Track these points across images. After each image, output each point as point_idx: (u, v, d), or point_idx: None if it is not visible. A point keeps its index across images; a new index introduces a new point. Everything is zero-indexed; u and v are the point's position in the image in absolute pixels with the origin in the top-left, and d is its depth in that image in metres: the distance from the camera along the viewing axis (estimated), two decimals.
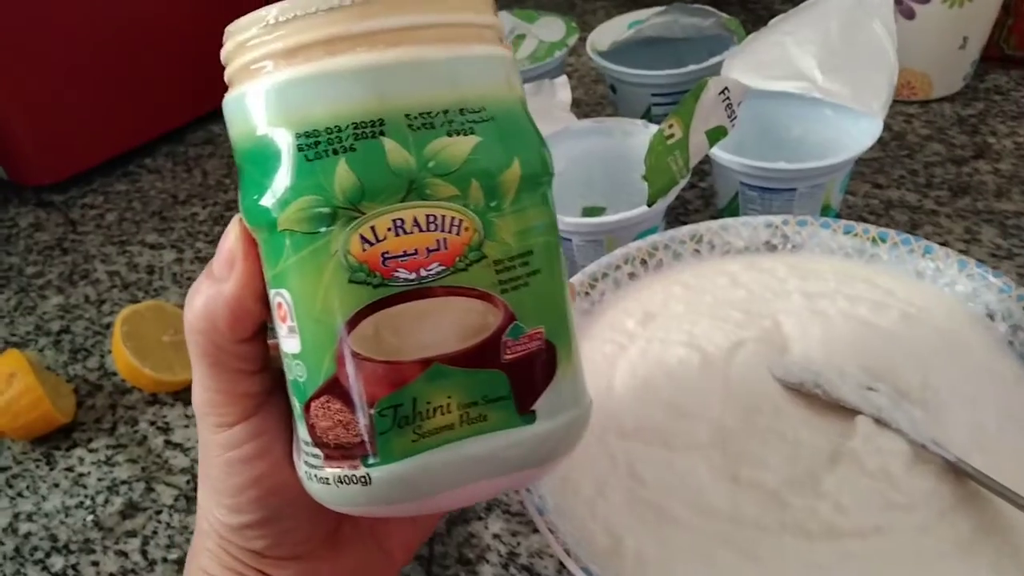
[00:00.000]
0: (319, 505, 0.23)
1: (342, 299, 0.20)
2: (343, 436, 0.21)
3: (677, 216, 0.55)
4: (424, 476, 0.21)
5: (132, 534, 0.43)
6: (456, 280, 0.20)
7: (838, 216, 0.51)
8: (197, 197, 0.69)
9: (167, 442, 0.47)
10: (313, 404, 0.21)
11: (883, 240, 0.40)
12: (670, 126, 0.43)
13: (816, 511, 0.30)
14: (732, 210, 0.50)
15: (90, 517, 0.44)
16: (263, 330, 0.24)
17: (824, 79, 0.46)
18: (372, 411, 0.20)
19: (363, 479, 0.21)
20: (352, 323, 0.20)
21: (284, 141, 0.20)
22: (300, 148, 0.20)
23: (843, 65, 0.46)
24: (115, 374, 0.52)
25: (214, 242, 0.60)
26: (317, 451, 0.21)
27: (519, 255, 0.21)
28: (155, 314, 0.51)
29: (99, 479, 0.46)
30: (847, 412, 0.33)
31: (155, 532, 0.42)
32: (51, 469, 0.46)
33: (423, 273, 0.20)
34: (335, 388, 0.20)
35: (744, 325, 0.38)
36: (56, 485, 0.45)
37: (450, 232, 0.20)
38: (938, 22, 0.59)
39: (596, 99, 0.69)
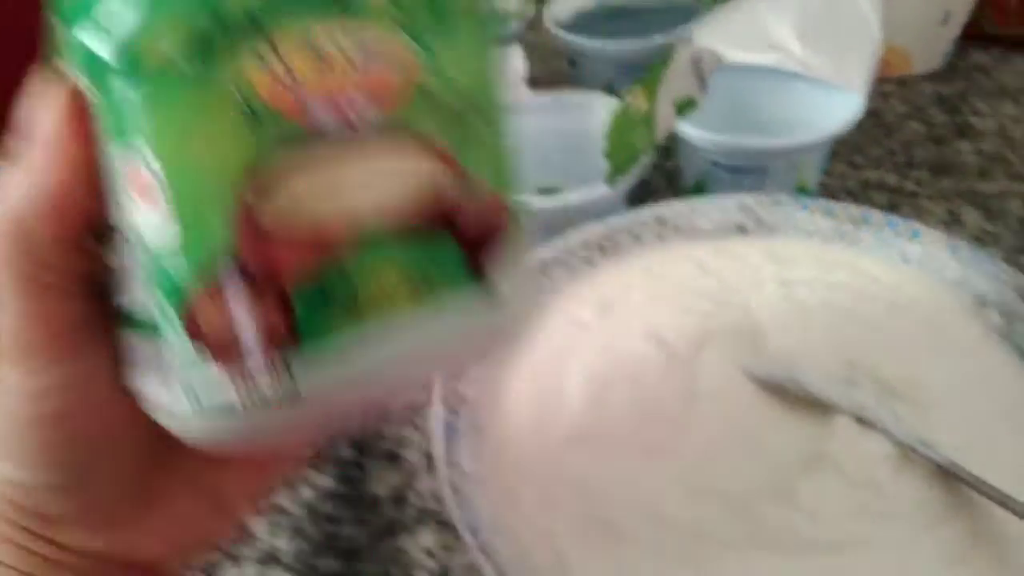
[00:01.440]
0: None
1: (240, 152, 0.17)
2: (248, 331, 0.18)
3: (639, 198, 0.52)
4: (363, 351, 0.19)
5: None
6: (394, 123, 0.18)
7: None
8: None
9: None
10: (200, 297, 0.18)
11: (866, 222, 0.38)
12: (634, 97, 0.41)
13: (790, 523, 0.29)
14: (699, 192, 0.48)
15: None
16: (86, 239, 0.19)
17: (803, 50, 0.44)
18: (289, 290, 0.18)
19: (286, 372, 0.18)
20: (254, 181, 0.17)
21: None
22: None
23: (823, 36, 0.45)
24: None
25: None
26: (209, 367, 0.18)
27: (470, 98, 0.19)
28: None
29: None
30: (826, 411, 0.31)
31: None
32: None
33: (350, 116, 0.18)
34: (233, 271, 0.18)
35: (712, 316, 0.36)
36: None
37: (385, 61, 0.18)
38: None
39: (553, 75, 0.66)
